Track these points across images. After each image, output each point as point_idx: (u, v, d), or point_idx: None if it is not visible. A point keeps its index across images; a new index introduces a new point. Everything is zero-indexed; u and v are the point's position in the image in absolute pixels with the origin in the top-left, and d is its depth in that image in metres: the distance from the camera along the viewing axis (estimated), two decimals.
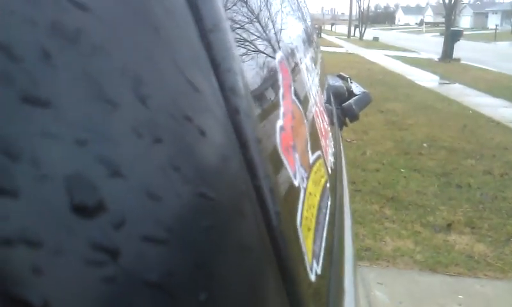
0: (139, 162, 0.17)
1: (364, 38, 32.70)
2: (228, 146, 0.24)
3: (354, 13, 39.29)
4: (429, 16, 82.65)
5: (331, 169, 0.71)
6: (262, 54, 0.41)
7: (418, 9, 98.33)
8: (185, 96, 0.21)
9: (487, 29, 55.47)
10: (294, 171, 0.38)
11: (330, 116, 1.07)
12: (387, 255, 2.71)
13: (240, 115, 0.26)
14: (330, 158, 0.73)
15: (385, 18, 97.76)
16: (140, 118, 0.17)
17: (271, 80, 0.40)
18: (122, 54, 0.18)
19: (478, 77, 10.98)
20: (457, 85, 9.89)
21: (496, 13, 65.10)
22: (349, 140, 4.91)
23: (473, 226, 3.11)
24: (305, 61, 0.77)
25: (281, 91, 0.41)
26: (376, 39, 31.26)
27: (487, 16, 69.76)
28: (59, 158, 0.14)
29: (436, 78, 11.23)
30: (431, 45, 24.61)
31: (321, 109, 0.81)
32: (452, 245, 2.87)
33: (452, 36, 15.90)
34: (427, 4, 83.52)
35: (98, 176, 0.15)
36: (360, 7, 36.04)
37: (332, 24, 64.13)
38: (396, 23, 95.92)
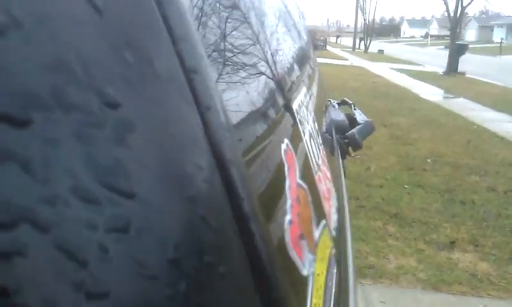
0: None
1: (369, 50, 32.80)
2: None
3: (359, 25, 39.40)
4: (434, 29, 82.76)
5: (335, 228, 0.70)
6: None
7: (424, 22, 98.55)
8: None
9: (492, 42, 55.48)
10: (303, 261, 0.39)
11: (331, 147, 1.08)
12: (390, 273, 2.71)
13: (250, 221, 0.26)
14: (333, 217, 0.73)
15: (390, 30, 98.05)
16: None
17: (277, 172, 0.41)
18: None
19: (483, 92, 10.98)
20: (461, 99, 9.89)
21: (501, 27, 65.18)
22: (353, 155, 4.92)
23: (477, 244, 3.11)
24: (305, 116, 0.76)
25: (287, 182, 0.42)
26: (381, 52, 31.35)
27: (492, 30, 69.83)
28: None
29: (441, 92, 11.25)
30: (436, 58, 24.65)
31: (324, 162, 0.80)
32: (455, 263, 2.87)
33: (457, 50, 15.94)
34: (433, 17, 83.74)
35: None
36: (365, 19, 36.18)
37: (337, 36, 64.34)
38: (401, 35, 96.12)
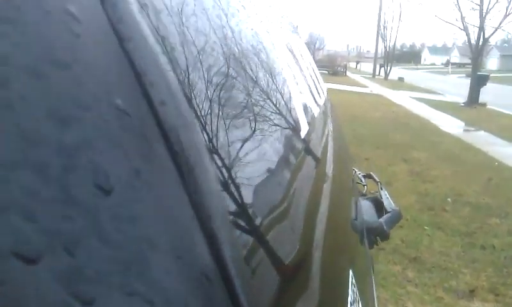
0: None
1: (389, 77, 32.78)
2: None
3: (379, 50, 39.49)
4: (455, 57, 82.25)
5: None
6: None
7: (445, 50, 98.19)
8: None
9: None
10: None
11: (360, 237, 1.12)
12: None
13: None
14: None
15: (411, 57, 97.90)
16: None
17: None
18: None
19: (504, 125, 10.88)
20: (482, 132, 9.83)
21: None
22: (373, 191, 4.93)
23: (497, 293, 3.09)
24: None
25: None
26: (401, 79, 31.30)
27: None
28: None
29: (462, 124, 11.18)
30: (457, 87, 24.48)
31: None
32: None
33: (478, 81, 15.84)
34: (454, 44, 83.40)
35: None
36: (385, 46, 36.25)
37: (357, 62, 64.42)
38: (422, 62, 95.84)
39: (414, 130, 9.54)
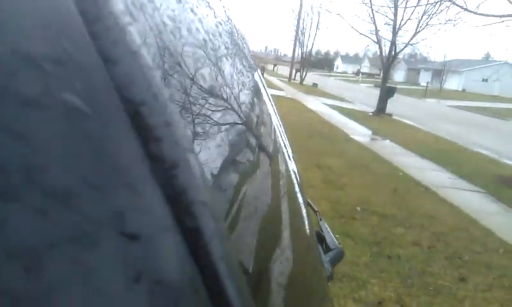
0: None
1: (304, 82, 33.75)
2: None
3: (296, 54, 40.50)
4: (365, 67, 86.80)
5: None
6: None
7: (356, 59, 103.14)
8: None
9: (418, 84, 59.08)
10: None
11: None
12: None
13: None
14: None
15: (325, 64, 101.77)
16: None
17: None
18: None
19: (408, 135, 11.59)
20: (388, 142, 10.37)
21: (427, 71, 69.52)
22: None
23: (403, 304, 3.20)
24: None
25: None
26: (315, 85, 32.33)
27: (419, 73, 74.36)
28: None
29: (369, 133, 11.74)
30: (366, 96, 25.80)
31: None
32: None
33: (387, 92, 16.78)
34: (365, 55, 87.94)
35: None
36: (302, 52, 37.24)
37: (274, 65, 65.78)
38: (335, 70, 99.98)
39: (327, 137, 9.83)
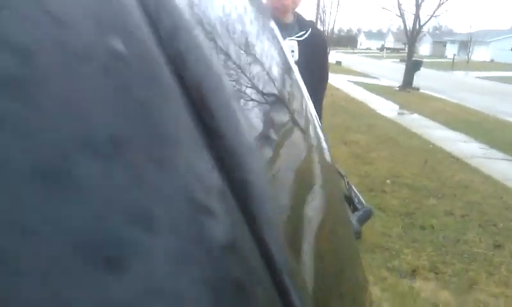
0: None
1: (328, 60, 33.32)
2: None
3: None
4: (389, 42, 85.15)
5: None
6: None
7: (380, 35, 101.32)
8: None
9: (445, 57, 57.70)
10: None
11: None
12: None
13: None
14: None
15: (348, 41, 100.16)
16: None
17: None
18: None
19: (437, 108, 11.35)
20: (416, 115, 10.19)
21: (454, 43, 67.85)
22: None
23: (437, 272, 3.17)
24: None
25: None
26: (338, 63, 31.89)
27: (445, 46, 72.66)
28: None
29: (396, 107, 11.55)
30: (391, 71, 25.35)
31: None
32: (417, 292, 2.91)
33: (413, 66, 16.45)
34: (389, 30, 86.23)
35: None
36: (324, 30, 36.74)
37: None
38: (358, 47, 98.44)
39: (352, 113, 9.72)
